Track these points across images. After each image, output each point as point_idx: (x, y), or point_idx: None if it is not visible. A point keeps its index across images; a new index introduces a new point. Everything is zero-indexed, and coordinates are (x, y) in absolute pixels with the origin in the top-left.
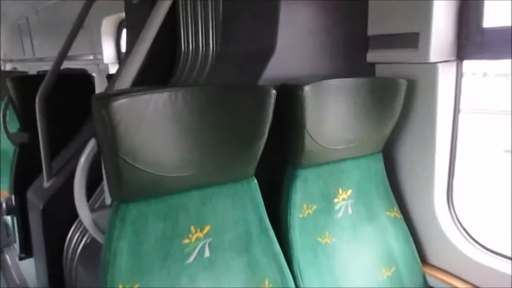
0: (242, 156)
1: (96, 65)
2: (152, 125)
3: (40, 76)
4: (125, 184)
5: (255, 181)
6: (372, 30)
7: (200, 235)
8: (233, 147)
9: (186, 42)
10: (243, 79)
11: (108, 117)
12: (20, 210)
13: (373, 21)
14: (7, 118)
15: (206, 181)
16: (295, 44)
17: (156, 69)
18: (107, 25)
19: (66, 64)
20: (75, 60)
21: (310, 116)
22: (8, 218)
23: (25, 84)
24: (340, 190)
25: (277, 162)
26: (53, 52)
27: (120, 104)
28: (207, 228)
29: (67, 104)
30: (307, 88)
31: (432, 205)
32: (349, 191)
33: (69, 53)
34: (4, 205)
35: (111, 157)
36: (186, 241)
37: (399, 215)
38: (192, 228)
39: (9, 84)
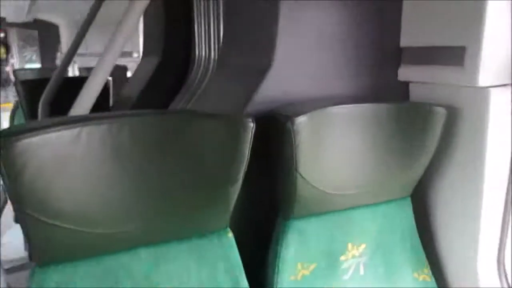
0: (209, 203)
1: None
2: (66, 167)
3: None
4: (38, 243)
5: (230, 234)
6: (405, 41)
7: None
8: (193, 193)
9: (199, 49)
10: (238, 95)
11: (12, 161)
12: None
13: (407, 29)
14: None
15: (158, 237)
16: (306, 57)
17: (169, 75)
18: None
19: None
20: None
21: (305, 154)
22: None
23: (33, 87)
24: (350, 245)
25: (264, 210)
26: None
27: (24, 144)
28: None
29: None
30: (299, 120)
31: (475, 269)
32: (362, 247)
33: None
34: None
35: (20, 212)
36: None
37: (429, 278)
38: None
39: (19, 88)
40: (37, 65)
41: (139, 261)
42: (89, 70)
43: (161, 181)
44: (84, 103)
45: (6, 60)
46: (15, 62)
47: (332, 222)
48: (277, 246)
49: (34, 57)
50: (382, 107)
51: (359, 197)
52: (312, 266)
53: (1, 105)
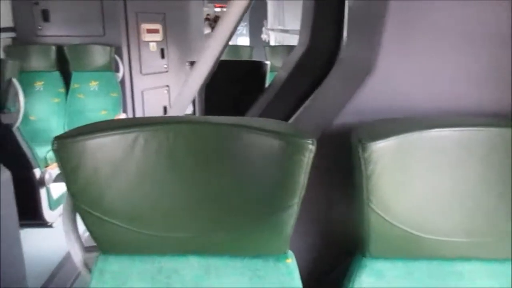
0: (260, 224)
1: None
2: (120, 167)
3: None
4: (96, 235)
5: (290, 260)
6: None
7: None
8: (243, 210)
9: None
10: (336, 101)
11: (68, 161)
12: None
13: None
14: None
15: (210, 248)
16: (421, 61)
17: (316, 60)
18: None
19: None
20: None
21: (381, 186)
22: None
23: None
24: None
25: (337, 239)
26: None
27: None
28: None
29: (235, 92)
30: (372, 147)
31: None
32: None
33: None
34: None
35: (77, 205)
36: None
37: None
38: None
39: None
40: (247, 38)
41: (191, 268)
42: (274, 48)
43: (212, 192)
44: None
45: None
46: None
47: (428, 272)
48: (349, 284)
49: (244, 31)
50: (499, 132)
51: (471, 247)
52: None
53: None
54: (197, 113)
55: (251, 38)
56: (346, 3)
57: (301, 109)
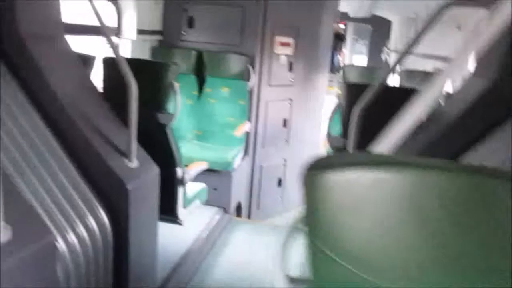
0: None
1: None
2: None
3: (373, 87)
4: (317, 270)
5: None
6: None
7: None
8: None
9: None
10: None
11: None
12: None
13: None
14: (333, 122)
15: None
16: None
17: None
18: None
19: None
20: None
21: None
22: None
23: (354, 91)
24: None
25: None
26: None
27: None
28: None
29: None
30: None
31: None
32: None
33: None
34: None
35: (308, 236)
36: None
37: None
38: None
39: (342, 89)
40: (364, 57)
41: None
42: (410, 73)
43: (458, 250)
44: (395, 132)
45: (340, 49)
46: (347, 52)
47: None
48: None
49: (363, 50)
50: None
51: None
52: None
53: (327, 88)
54: (349, 143)
55: (369, 57)
56: None
57: (484, 150)
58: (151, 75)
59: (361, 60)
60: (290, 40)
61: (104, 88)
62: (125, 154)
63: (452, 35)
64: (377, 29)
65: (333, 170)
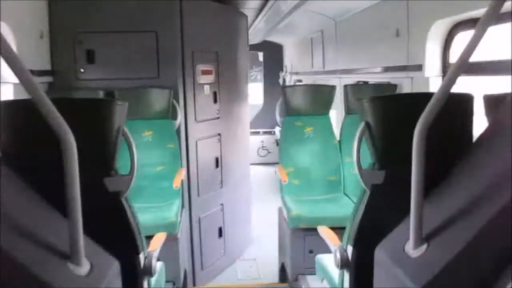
0: None
1: (410, 79)
2: None
3: (409, 96)
4: None
5: None
6: None
7: None
8: None
9: None
10: None
11: None
12: (355, 264)
13: None
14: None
15: None
16: None
17: None
18: (437, 30)
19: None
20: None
21: None
22: (336, 271)
23: (390, 105)
24: None
25: None
26: (351, 65)
27: None
28: None
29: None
30: None
31: None
32: None
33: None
34: (338, 255)
35: None
36: None
37: None
38: None
39: (367, 105)
40: (260, 84)
41: None
42: None
43: None
44: None
45: None
46: None
47: None
48: None
49: (258, 77)
50: None
51: None
52: None
53: None
54: (415, 168)
55: (265, 83)
56: None
57: None
58: (89, 121)
59: (257, 88)
60: (211, 67)
61: (6, 149)
62: (68, 256)
63: (389, 43)
64: (270, 54)
65: None
